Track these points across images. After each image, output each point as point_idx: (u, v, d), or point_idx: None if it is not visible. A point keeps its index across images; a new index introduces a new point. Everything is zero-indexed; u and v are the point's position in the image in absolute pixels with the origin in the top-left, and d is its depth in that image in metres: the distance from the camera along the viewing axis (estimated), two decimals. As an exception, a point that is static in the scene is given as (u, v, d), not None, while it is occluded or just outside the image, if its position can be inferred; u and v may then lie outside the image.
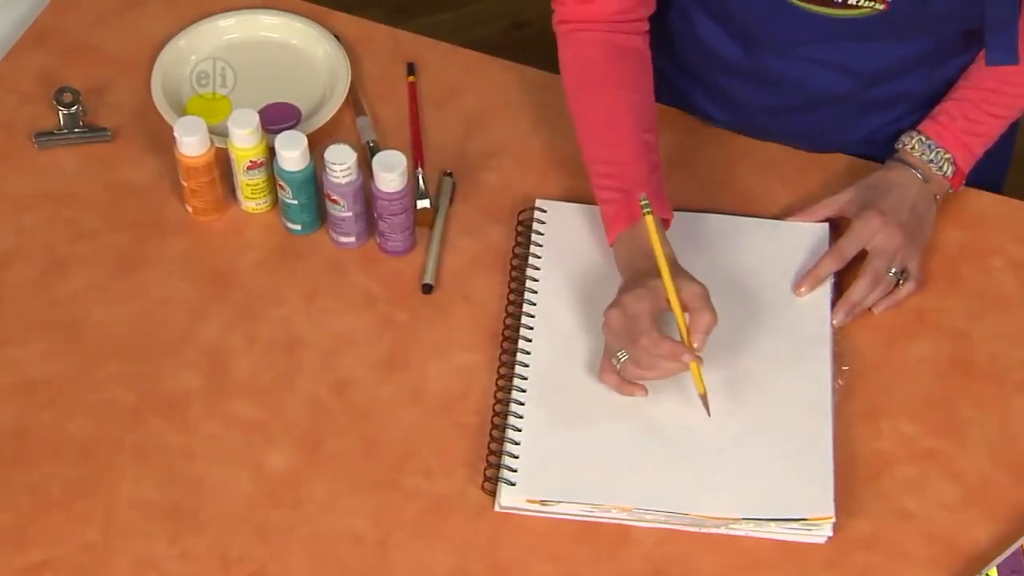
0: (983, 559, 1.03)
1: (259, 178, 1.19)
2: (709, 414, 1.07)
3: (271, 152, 1.17)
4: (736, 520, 1.04)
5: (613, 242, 1.11)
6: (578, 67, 1.15)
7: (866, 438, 1.09)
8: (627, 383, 1.08)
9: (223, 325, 1.15)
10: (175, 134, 1.16)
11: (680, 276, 1.07)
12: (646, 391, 1.08)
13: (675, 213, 1.14)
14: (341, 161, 1.14)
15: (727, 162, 1.24)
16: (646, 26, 1.16)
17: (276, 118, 1.24)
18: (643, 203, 1.06)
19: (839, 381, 1.12)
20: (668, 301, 1.05)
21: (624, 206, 1.10)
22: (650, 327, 1.04)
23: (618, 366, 1.07)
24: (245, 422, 1.10)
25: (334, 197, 1.16)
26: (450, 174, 1.23)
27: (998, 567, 1.02)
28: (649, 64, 1.16)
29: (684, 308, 1.06)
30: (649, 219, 1.06)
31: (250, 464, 1.08)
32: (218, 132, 1.21)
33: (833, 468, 1.06)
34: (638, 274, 1.08)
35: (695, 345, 1.05)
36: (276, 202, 1.20)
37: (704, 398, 1.07)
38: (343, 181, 1.15)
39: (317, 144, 1.19)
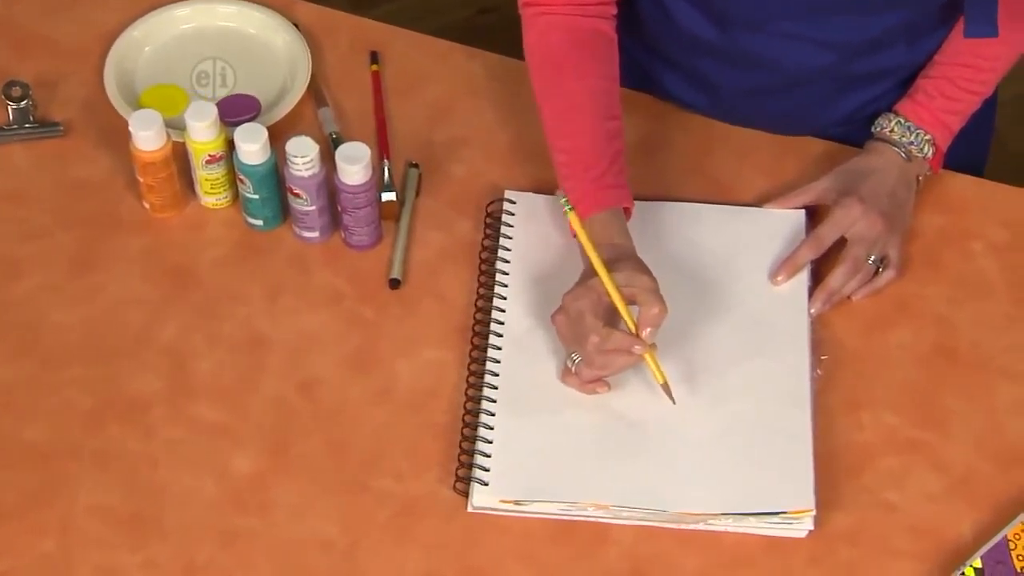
0: (968, 550, 1.04)
1: (218, 172, 1.18)
2: (674, 402, 1.08)
3: (230, 145, 1.17)
4: (715, 515, 1.04)
5: (574, 234, 1.11)
6: (540, 52, 1.15)
7: (847, 429, 1.10)
8: (588, 383, 1.08)
9: (184, 325, 1.14)
10: (130, 128, 1.15)
11: (626, 269, 1.07)
12: (608, 386, 1.09)
13: (647, 202, 1.15)
14: (303, 154, 1.13)
15: (701, 148, 1.24)
16: (613, 10, 1.16)
17: (235, 110, 1.24)
18: (562, 200, 1.07)
19: (818, 371, 1.12)
20: (609, 297, 1.06)
21: (583, 197, 1.10)
22: (595, 324, 1.05)
23: (573, 368, 1.08)
24: (208, 425, 1.10)
25: (296, 191, 1.15)
26: (416, 165, 1.23)
27: (983, 558, 1.03)
28: (615, 49, 1.16)
29: (631, 301, 1.07)
30: (572, 216, 1.06)
31: (214, 469, 1.07)
32: (175, 125, 1.20)
33: (812, 460, 1.06)
34: (585, 272, 1.09)
35: (644, 336, 1.05)
36: (236, 197, 1.20)
37: (666, 387, 1.08)
38: (305, 174, 1.14)
39: (278, 136, 1.19)
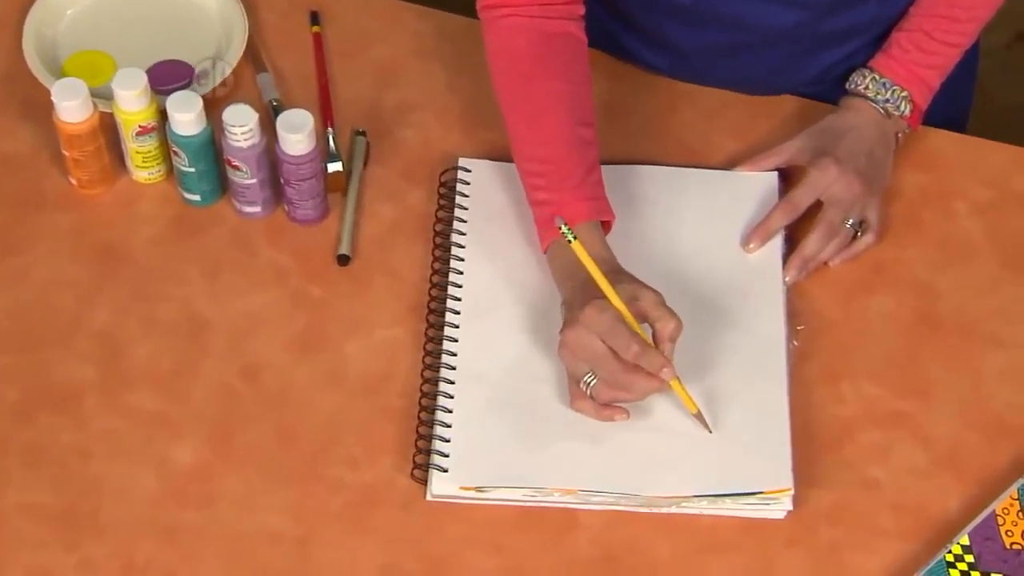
0: (955, 527, 1.06)
1: (150, 145, 1.19)
2: (710, 431, 1.07)
3: (162, 115, 1.17)
4: (689, 498, 1.06)
5: (547, 250, 1.11)
6: (505, 57, 1.15)
7: (826, 403, 1.12)
8: (605, 407, 1.07)
9: (117, 309, 1.15)
10: (53, 99, 1.15)
11: (629, 285, 1.06)
12: (627, 413, 1.07)
13: (609, 166, 1.16)
14: (241, 123, 1.14)
15: (667, 110, 1.26)
16: (581, 9, 1.16)
17: (166, 77, 1.24)
18: (563, 229, 1.04)
19: (794, 342, 1.14)
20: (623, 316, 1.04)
21: (559, 211, 1.09)
22: (633, 336, 1.03)
23: (588, 391, 1.06)
24: (146, 415, 1.10)
25: (235, 163, 1.16)
26: (363, 133, 1.24)
27: (970, 535, 1.05)
28: (585, 51, 1.16)
29: (642, 319, 1.06)
30: (576, 246, 1.04)
31: (154, 460, 1.08)
32: (102, 95, 1.20)
33: (790, 437, 1.09)
34: (584, 285, 1.06)
35: (666, 354, 1.04)
36: (171, 171, 1.20)
37: (700, 416, 1.07)
38: (244, 145, 1.15)
39: (214, 105, 1.20)
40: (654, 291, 1.06)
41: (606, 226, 1.12)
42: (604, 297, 1.05)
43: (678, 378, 1.06)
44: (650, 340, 1.06)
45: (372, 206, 1.21)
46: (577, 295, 1.07)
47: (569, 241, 1.04)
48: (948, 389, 1.13)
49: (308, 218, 1.20)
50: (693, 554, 1.06)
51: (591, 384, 1.06)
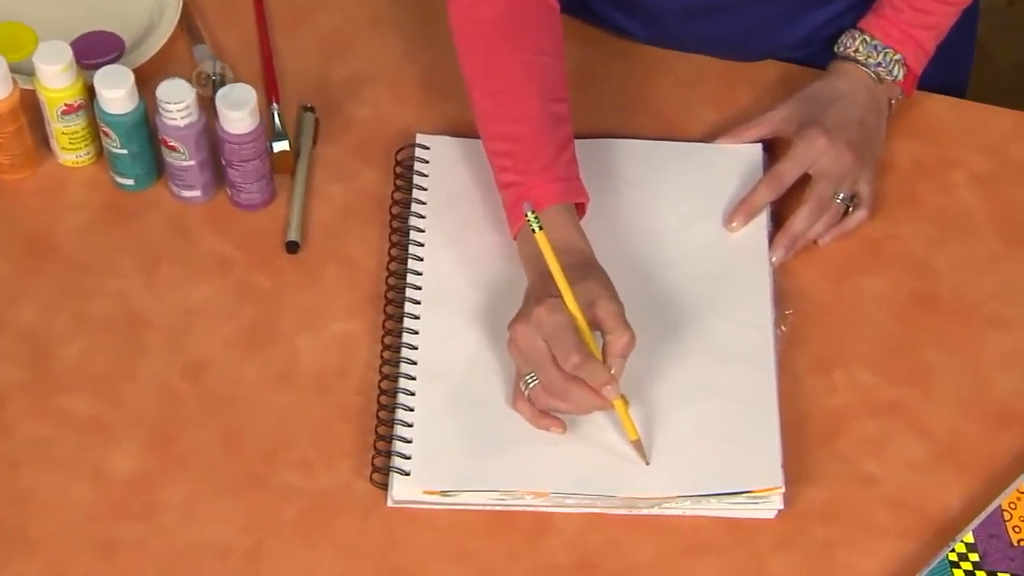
0: (958, 524, 1.07)
1: (78, 124, 1.19)
2: (647, 463, 1.07)
3: (90, 92, 1.17)
4: (671, 499, 1.07)
5: (516, 236, 1.11)
6: (470, 28, 1.14)
7: (817, 393, 1.13)
8: (542, 415, 1.07)
9: (44, 304, 1.15)
10: (-30, 76, 1.15)
11: (593, 286, 1.05)
12: (563, 427, 1.08)
13: (581, 141, 1.16)
14: (177, 99, 1.14)
15: (641, 78, 1.26)
16: None
17: (94, 51, 1.24)
18: (528, 217, 1.03)
19: (782, 328, 1.15)
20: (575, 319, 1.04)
21: (527, 193, 1.09)
22: (578, 344, 1.03)
23: (526, 392, 1.07)
24: (79, 420, 1.10)
25: (172, 143, 1.16)
26: (311, 109, 1.24)
27: (975, 532, 1.06)
28: (557, 19, 1.16)
29: (596, 327, 1.06)
30: (540, 237, 1.04)
31: (88, 469, 1.08)
32: (22, 71, 1.20)
33: (779, 430, 1.09)
34: (546, 278, 1.06)
35: (613, 371, 1.04)
36: (101, 153, 1.20)
37: (638, 445, 1.07)
38: (181, 123, 1.15)
39: (147, 80, 1.19)
40: (615, 300, 1.05)
41: (580, 209, 1.12)
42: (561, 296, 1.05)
43: (623, 398, 1.06)
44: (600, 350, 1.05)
45: (323, 188, 1.21)
46: (536, 288, 1.07)
47: (533, 230, 1.04)
48: (947, 375, 1.14)
49: (253, 202, 1.20)
50: (676, 558, 1.06)
51: (531, 386, 1.07)
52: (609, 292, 1.06)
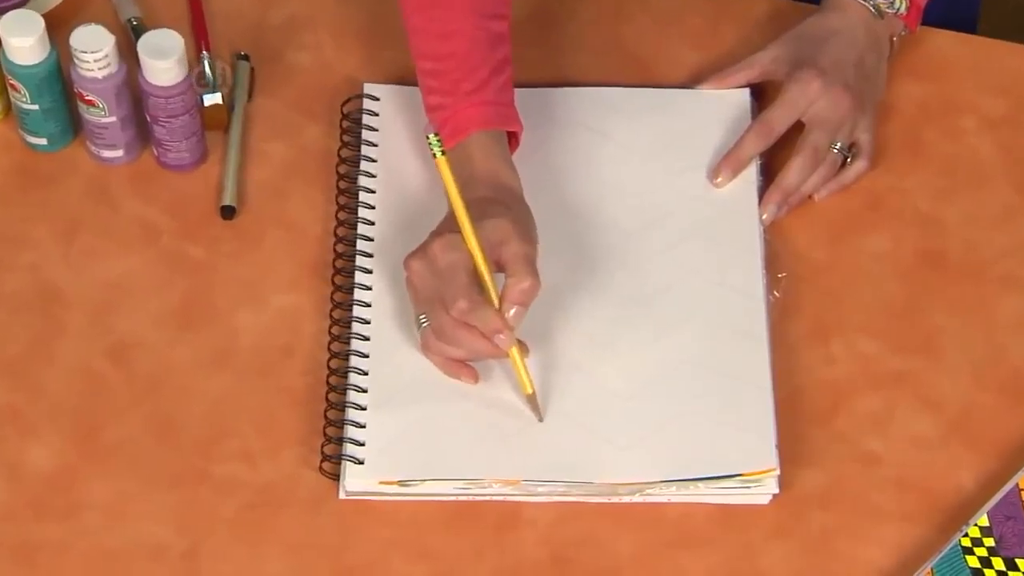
0: (971, 506, 1.08)
1: (-17, 78, 1.19)
2: (540, 419, 1.08)
3: (-4, 42, 1.17)
4: (654, 484, 1.08)
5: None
6: None
7: (814, 364, 1.14)
8: (451, 362, 1.08)
9: (-49, 282, 1.15)
10: None
11: (505, 224, 1.06)
12: (476, 376, 1.09)
13: (546, 89, 1.17)
14: (94, 48, 1.14)
15: (611, 16, 1.26)
16: None
17: (0, -5, 1.23)
18: (431, 140, 1.03)
19: (774, 293, 1.16)
20: (473, 258, 1.05)
21: (452, 117, 1.10)
22: (468, 287, 1.04)
23: (418, 334, 1.08)
24: (-8, 410, 1.11)
25: (89, 98, 1.16)
26: (246, 57, 1.24)
27: (990, 514, 1.07)
28: None
29: (498, 268, 1.07)
30: (441, 161, 1.04)
31: (3, 465, 1.08)
32: (-79, 19, 1.19)
33: (773, 407, 1.10)
34: (451, 215, 1.07)
35: (507, 316, 1.05)
36: (9, 109, 1.20)
37: (532, 400, 1.08)
38: (99, 75, 1.15)
39: (59, 27, 1.19)
40: (526, 241, 1.06)
41: (514, 140, 1.12)
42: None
43: (522, 345, 1.07)
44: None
45: (260, 146, 1.21)
46: (446, 221, 1.08)
47: (434, 155, 1.04)
48: (958, 342, 1.15)
49: (182, 162, 1.20)
50: (660, 551, 1.07)
51: (422, 326, 1.08)
52: (521, 232, 1.06)
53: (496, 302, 1.06)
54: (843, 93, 1.18)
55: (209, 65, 1.22)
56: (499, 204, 1.07)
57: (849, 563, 1.07)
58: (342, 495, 1.08)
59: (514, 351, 1.06)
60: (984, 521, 1.06)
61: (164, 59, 1.13)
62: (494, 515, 1.08)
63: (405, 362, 1.11)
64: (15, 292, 1.14)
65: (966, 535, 1.06)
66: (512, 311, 1.05)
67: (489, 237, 1.06)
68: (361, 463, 1.07)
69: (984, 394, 1.13)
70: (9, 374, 1.12)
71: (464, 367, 1.09)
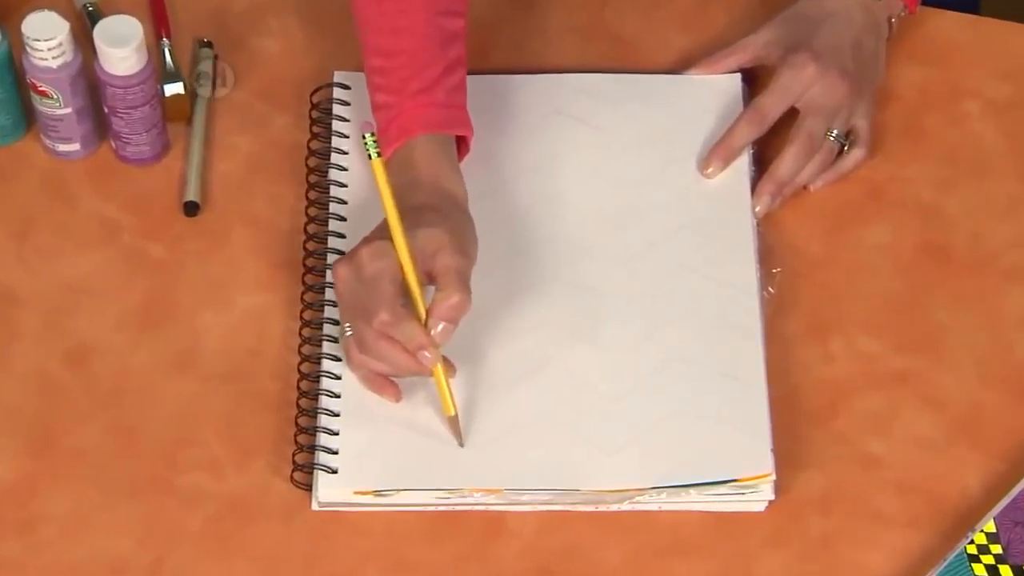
0: (977, 510, 1.08)
1: (-69, 69, 1.18)
2: (461, 444, 1.08)
3: (-55, 30, 1.17)
4: (643, 491, 1.08)
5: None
6: None
7: (811, 363, 1.14)
8: (376, 377, 1.08)
9: (-102, 284, 1.15)
10: None
11: (439, 234, 1.05)
12: (398, 395, 1.09)
13: (524, 76, 1.16)
14: (47, 36, 1.13)
15: (598, -1, 1.27)
16: None
17: (-51, -19, 1.23)
18: (366, 140, 1.02)
19: (769, 289, 1.16)
20: (402, 269, 1.05)
21: (397, 117, 1.10)
22: (391, 298, 1.04)
23: (342, 343, 1.08)
24: (-57, 419, 1.10)
25: (43, 88, 1.16)
26: (209, 44, 1.24)
27: (997, 519, 1.07)
28: None
29: (428, 280, 1.06)
30: (376, 163, 1.03)
31: (-44, 477, 1.08)
32: None
33: (768, 408, 1.10)
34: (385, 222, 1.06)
35: (433, 333, 1.04)
36: (-41, 102, 1.20)
37: (454, 423, 1.08)
38: (53, 64, 1.14)
39: (10, 13, 1.19)
40: (460, 254, 1.05)
41: (463, 145, 1.12)
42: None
43: (448, 364, 1.06)
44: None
45: (225, 138, 1.21)
46: (379, 226, 1.07)
47: (370, 156, 1.03)
48: (962, 338, 1.15)
49: (143, 156, 1.19)
50: (650, 561, 1.07)
51: (346, 336, 1.07)
52: (457, 244, 1.06)
53: (423, 316, 1.05)
54: (839, 78, 1.18)
55: (170, 53, 1.21)
56: (437, 213, 1.07)
57: (849, 570, 1.07)
58: (315, 506, 1.08)
59: (438, 369, 1.06)
60: (991, 527, 1.07)
61: (122, 47, 1.13)
62: (476, 525, 1.08)
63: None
64: (-34, 294, 1.15)
65: (972, 541, 1.06)
66: (439, 327, 1.05)
67: (422, 247, 1.05)
68: (335, 472, 1.07)
69: (990, 392, 1.13)
70: (-40, 381, 1.12)
71: (387, 384, 1.08)
